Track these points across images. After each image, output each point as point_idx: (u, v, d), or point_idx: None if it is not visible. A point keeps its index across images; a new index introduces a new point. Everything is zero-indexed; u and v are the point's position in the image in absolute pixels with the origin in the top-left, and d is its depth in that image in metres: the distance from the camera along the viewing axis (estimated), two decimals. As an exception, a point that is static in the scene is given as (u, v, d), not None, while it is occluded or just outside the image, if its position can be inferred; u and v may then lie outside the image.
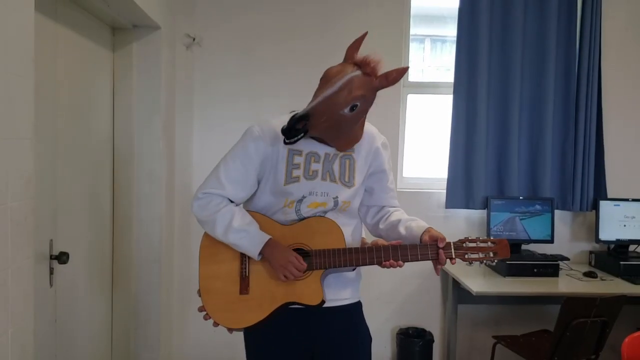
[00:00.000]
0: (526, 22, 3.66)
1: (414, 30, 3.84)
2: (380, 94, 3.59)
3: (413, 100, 3.84)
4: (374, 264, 1.75)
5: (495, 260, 1.79)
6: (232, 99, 3.65)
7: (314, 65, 3.67)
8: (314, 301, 1.72)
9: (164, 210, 3.13)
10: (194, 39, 3.54)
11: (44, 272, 2.25)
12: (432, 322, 3.82)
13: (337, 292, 1.82)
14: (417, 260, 1.73)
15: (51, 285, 2.30)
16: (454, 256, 1.74)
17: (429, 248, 1.73)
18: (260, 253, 1.70)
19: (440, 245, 1.71)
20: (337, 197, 1.77)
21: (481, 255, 1.76)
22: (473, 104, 3.64)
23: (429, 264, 3.72)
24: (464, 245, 1.76)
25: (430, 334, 3.70)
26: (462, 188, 3.70)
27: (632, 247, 3.68)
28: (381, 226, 1.91)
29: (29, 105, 1.65)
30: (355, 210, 1.89)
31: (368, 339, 1.91)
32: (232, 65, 3.66)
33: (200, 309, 1.76)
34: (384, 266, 1.76)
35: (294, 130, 1.57)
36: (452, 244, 1.75)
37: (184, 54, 3.52)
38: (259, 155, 1.74)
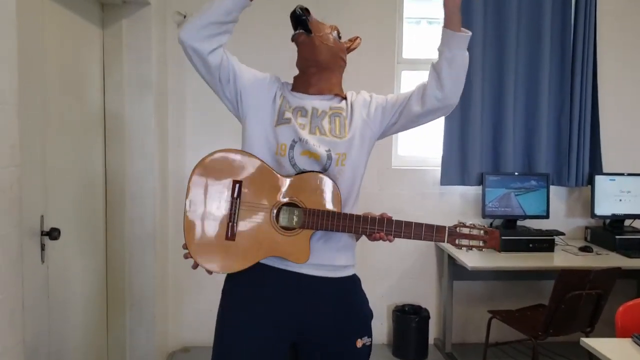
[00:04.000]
0: (521, -3, 3.63)
1: (410, 12, 3.81)
2: (374, 71, 3.59)
3: (407, 77, 3.82)
4: (366, 234, 1.72)
5: (483, 249, 1.79)
6: (225, 77, 3.61)
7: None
8: (300, 259, 1.68)
9: (158, 187, 3.12)
10: (184, 16, 3.50)
11: (35, 248, 2.23)
12: (428, 298, 3.83)
13: (325, 257, 1.75)
14: (409, 238, 1.71)
15: (43, 261, 2.28)
16: (446, 241, 1.72)
17: (424, 228, 1.70)
18: None
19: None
20: (329, 150, 1.72)
21: (471, 242, 1.76)
22: (467, 80, 3.50)
23: (424, 241, 3.74)
24: (457, 230, 1.75)
25: (426, 311, 3.70)
26: (457, 164, 3.69)
27: (627, 222, 3.68)
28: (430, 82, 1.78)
29: (11, 70, 1.62)
30: (356, 169, 1.78)
31: (368, 314, 1.84)
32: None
33: (184, 247, 1.70)
34: (373, 239, 1.72)
35: (295, 17, 1.73)
36: (446, 228, 1.73)
37: (175, 31, 3.48)
38: (265, 76, 1.81)
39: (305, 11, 1.75)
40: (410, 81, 3.82)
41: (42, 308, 2.28)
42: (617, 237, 3.46)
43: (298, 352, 1.79)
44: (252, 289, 1.73)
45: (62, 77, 2.47)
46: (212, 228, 1.68)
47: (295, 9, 1.75)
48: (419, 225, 1.71)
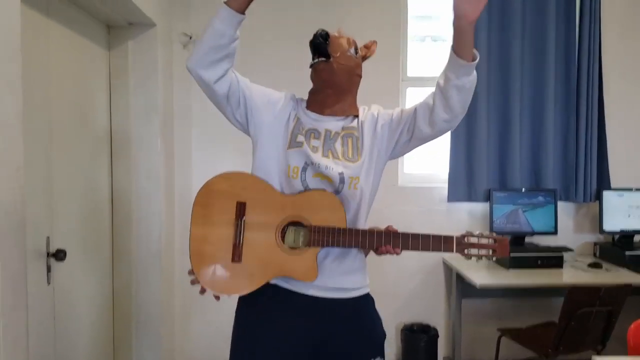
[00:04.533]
0: (525, 12, 3.64)
1: (414, 30, 3.83)
2: (379, 88, 3.60)
3: (413, 94, 3.82)
4: (373, 249, 1.70)
5: (494, 258, 1.77)
6: (230, 97, 3.63)
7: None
8: (308, 278, 1.67)
9: (164, 208, 3.12)
10: (190, 38, 3.53)
11: (41, 270, 2.23)
12: (437, 317, 3.79)
13: (339, 280, 1.74)
14: (417, 250, 1.69)
15: (49, 283, 2.28)
16: (454, 250, 1.70)
17: (432, 239, 1.69)
18: (226, 3, 1.65)
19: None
20: (342, 172, 1.70)
21: (481, 252, 1.74)
22: (472, 97, 3.59)
23: (432, 259, 3.69)
24: (466, 240, 1.73)
25: (435, 330, 3.66)
26: (463, 181, 3.67)
27: (637, 237, 3.63)
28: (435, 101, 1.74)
29: (16, 93, 1.64)
30: (368, 191, 1.78)
31: (382, 335, 1.82)
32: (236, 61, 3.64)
33: (190, 273, 1.69)
34: (380, 253, 1.71)
35: (316, 45, 1.73)
36: (454, 238, 1.72)
37: (181, 52, 3.51)
38: (285, 99, 1.80)
39: (326, 36, 1.74)
40: (416, 98, 3.81)
41: (48, 330, 2.28)
42: (626, 252, 3.41)
43: None
44: (265, 314, 1.71)
45: (68, 98, 2.49)
46: (217, 251, 1.67)
47: (315, 37, 1.74)
48: (426, 236, 1.69)
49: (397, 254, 1.70)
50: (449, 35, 3.84)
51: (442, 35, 3.94)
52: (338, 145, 1.74)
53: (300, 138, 1.72)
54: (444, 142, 3.69)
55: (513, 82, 3.62)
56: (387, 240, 1.68)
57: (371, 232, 1.68)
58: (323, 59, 1.73)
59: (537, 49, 3.65)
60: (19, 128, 1.65)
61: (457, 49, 1.61)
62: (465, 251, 1.73)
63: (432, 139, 1.82)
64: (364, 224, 1.81)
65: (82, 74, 2.66)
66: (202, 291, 1.69)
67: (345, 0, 3.67)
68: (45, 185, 2.25)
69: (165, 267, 3.17)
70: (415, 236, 1.69)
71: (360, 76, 1.83)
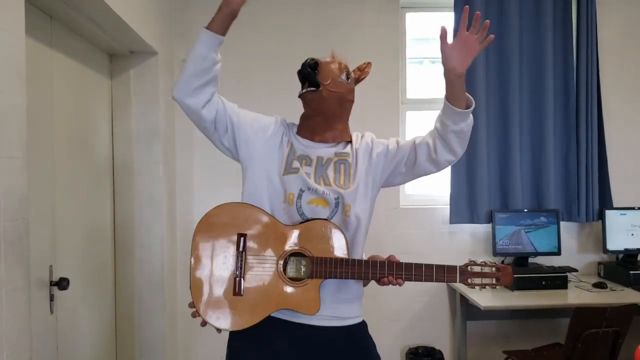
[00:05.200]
0: (522, 35, 3.68)
1: (412, 52, 3.87)
2: (379, 111, 3.62)
3: (412, 117, 3.84)
4: (376, 280, 1.69)
5: (496, 287, 1.77)
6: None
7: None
8: (310, 310, 1.65)
9: (166, 235, 3.11)
10: (191, 64, 3.56)
11: (44, 298, 2.22)
12: (442, 340, 3.76)
13: (337, 309, 1.73)
14: (421, 280, 1.68)
15: (52, 312, 2.27)
16: (458, 281, 1.71)
17: (435, 269, 1.69)
18: (208, 29, 1.66)
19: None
20: (338, 197, 1.70)
21: (484, 280, 1.74)
22: (473, 118, 3.62)
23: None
24: (469, 269, 1.73)
25: (440, 353, 3.63)
26: (465, 203, 3.67)
27: (641, 257, 3.62)
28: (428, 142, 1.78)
29: (21, 124, 1.65)
30: (361, 219, 1.76)
31: (377, 359, 1.82)
32: (230, 89, 3.64)
33: (191, 305, 1.67)
34: (382, 283, 1.70)
35: (305, 74, 1.70)
36: (457, 268, 1.72)
37: (182, 79, 3.53)
38: (276, 125, 1.79)
39: (315, 65, 1.73)
40: (415, 121, 3.84)
41: (51, 359, 2.26)
42: (631, 272, 3.40)
43: None
44: (258, 342, 1.69)
45: (71, 127, 2.50)
46: (219, 284, 1.65)
47: (303, 66, 1.73)
48: (429, 266, 1.69)
49: (400, 284, 1.69)
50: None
51: (439, 58, 3.99)
52: (330, 171, 1.74)
53: (296, 164, 1.72)
54: (445, 163, 3.70)
55: (512, 103, 3.64)
56: (390, 271, 1.67)
57: (374, 263, 1.67)
58: (312, 88, 1.72)
59: (535, 69, 3.68)
60: (23, 159, 1.66)
61: (451, 98, 1.67)
62: (469, 280, 1.73)
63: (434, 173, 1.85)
64: (361, 253, 1.81)
65: (84, 103, 2.68)
66: (203, 324, 1.68)
67: (344, 23, 3.71)
68: (48, 214, 2.26)
69: (167, 294, 3.16)
70: (418, 266, 1.69)
71: (352, 101, 1.82)
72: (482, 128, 3.62)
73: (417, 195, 3.85)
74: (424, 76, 3.99)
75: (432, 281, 1.70)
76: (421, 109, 3.86)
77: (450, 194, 3.66)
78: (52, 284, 2.26)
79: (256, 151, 1.75)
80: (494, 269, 1.75)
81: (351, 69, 1.85)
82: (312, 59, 1.73)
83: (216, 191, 3.54)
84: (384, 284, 1.69)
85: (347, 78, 1.77)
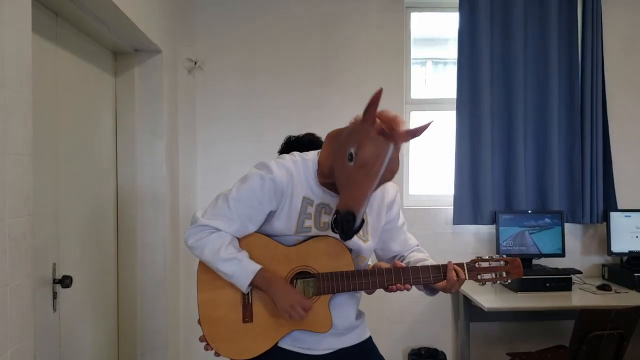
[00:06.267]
0: (527, 36, 3.67)
1: (416, 53, 3.86)
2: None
3: (416, 118, 3.83)
4: (384, 288, 1.67)
5: (509, 280, 1.74)
6: (235, 123, 3.65)
7: (316, 89, 3.74)
8: (323, 328, 1.63)
9: (169, 234, 3.10)
10: (195, 63, 3.56)
11: (47, 296, 2.22)
12: (444, 341, 3.74)
13: (344, 340, 1.73)
14: (430, 282, 1.67)
15: (54, 309, 2.26)
16: (466, 277, 1.68)
17: (441, 269, 1.67)
18: (250, 284, 1.58)
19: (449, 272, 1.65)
20: (351, 250, 1.67)
21: (494, 275, 1.72)
22: (477, 119, 3.63)
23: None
24: (477, 265, 1.71)
25: (443, 354, 3.62)
26: (469, 204, 3.66)
27: (645, 259, 3.61)
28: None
29: (26, 121, 1.64)
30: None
31: None
32: (234, 88, 3.67)
33: (201, 339, 1.66)
34: (389, 290, 1.68)
35: (349, 234, 1.45)
36: (465, 264, 1.70)
37: (186, 77, 3.54)
38: (277, 193, 1.60)
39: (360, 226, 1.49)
40: (419, 121, 3.82)
41: (54, 357, 2.25)
42: (635, 274, 3.38)
43: None
44: None
45: (75, 125, 2.50)
46: (227, 314, 1.64)
47: (349, 232, 1.46)
48: (435, 267, 1.67)
49: (408, 289, 1.68)
50: (449, 58, 3.89)
51: (442, 58, 3.98)
52: None
53: (308, 222, 1.64)
54: (448, 164, 3.69)
55: (517, 104, 3.63)
56: (397, 277, 1.65)
57: (380, 271, 1.65)
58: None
59: (540, 70, 3.67)
60: (28, 157, 1.65)
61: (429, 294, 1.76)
62: (479, 277, 1.71)
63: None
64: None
65: (88, 100, 2.67)
66: (217, 355, 1.67)
67: (348, 22, 3.70)
68: (51, 211, 2.25)
69: (170, 294, 3.14)
70: (425, 269, 1.67)
71: None
72: (486, 129, 3.61)
73: (421, 196, 3.84)
74: (427, 77, 3.99)
75: (441, 281, 1.67)
76: (425, 109, 3.85)
77: (454, 194, 3.65)
78: (55, 281, 2.25)
79: (274, 220, 1.66)
80: (502, 262, 1.73)
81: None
82: (362, 221, 1.47)
83: (219, 190, 3.52)
84: (391, 291, 1.68)
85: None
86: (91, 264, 2.66)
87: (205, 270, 1.66)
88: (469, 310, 3.49)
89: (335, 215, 1.44)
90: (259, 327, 1.63)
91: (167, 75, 3.14)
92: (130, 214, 2.99)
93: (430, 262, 1.71)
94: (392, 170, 1.47)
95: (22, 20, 1.66)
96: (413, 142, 3.80)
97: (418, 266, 1.67)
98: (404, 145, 3.69)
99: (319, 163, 1.64)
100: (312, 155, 1.68)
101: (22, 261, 1.61)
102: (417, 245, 1.86)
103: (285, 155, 1.68)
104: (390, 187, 1.77)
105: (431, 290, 1.74)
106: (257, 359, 1.64)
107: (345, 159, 1.47)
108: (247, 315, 1.63)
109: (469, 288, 3.38)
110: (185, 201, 3.50)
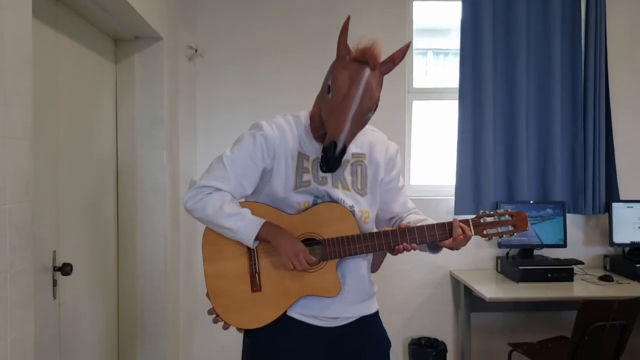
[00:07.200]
0: (530, 25, 3.64)
1: (417, 43, 3.83)
2: (385, 100, 3.57)
3: (418, 107, 3.81)
4: (390, 249, 1.66)
5: (515, 234, 1.72)
6: (235, 110, 3.63)
7: (316, 76, 3.67)
8: (332, 292, 1.63)
9: (169, 222, 3.09)
10: (196, 50, 3.53)
11: (47, 283, 2.20)
12: (445, 331, 3.74)
13: (356, 309, 1.73)
14: (436, 240, 1.65)
15: (54, 297, 2.25)
16: (473, 233, 1.66)
17: (447, 227, 1.65)
18: (256, 238, 1.59)
19: (455, 231, 1.64)
20: (352, 206, 1.68)
21: (500, 229, 1.70)
22: (479, 109, 3.61)
23: (439, 272, 3.64)
24: (482, 220, 1.70)
25: (444, 344, 3.62)
26: (471, 194, 3.64)
27: (647, 250, 3.60)
28: None
29: (26, 105, 1.62)
30: (374, 225, 1.79)
31: (388, 345, 1.83)
32: (235, 76, 3.65)
33: (210, 312, 1.66)
34: (396, 251, 1.66)
35: (335, 166, 1.51)
36: (470, 220, 1.69)
37: (186, 65, 3.51)
38: (269, 148, 1.64)
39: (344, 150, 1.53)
40: (421, 111, 3.81)
41: (54, 344, 2.24)
42: (637, 265, 3.37)
43: None
44: (280, 343, 1.68)
45: (75, 112, 2.47)
46: (236, 284, 1.64)
47: (335, 161, 1.51)
48: (441, 225, 1.66)
49: (414, 249, 1.67)
50: (451, 49, 3.86)
51: (443, 49, 3.96)
52: (347, 174, 1.70)
53: (307, 176, 1.66)
54: (450, 154, 3.67)
55: (519, 94, 3.61)
56: (403, 237, 1.64)
57: (385, 233, 1.65)
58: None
59: (543, 60, 3.64)
60: (29, 142, 1.63)
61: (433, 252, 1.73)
62: (484, 232, 1.69)
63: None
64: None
65: (88, 87, 2.65)
66: (226, 327, 1.67)
67: (350, 10, 3.64)
68: (51, 199, 2.23)
69: (170, 282, 3.13)
70: (431, 227, 1.65)
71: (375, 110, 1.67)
72: (488, 119, 3.59)
73: (422, 186, 3.82)
74: (429, 67, 3.96)
75: (448, 239, 1.65)
76: (427, 98, 3.83)
77: (456, 184, 3.64)
78: (56, 269, 2.24)
79: (268, 183, 1.69)
80: (507, 216, 1.71)
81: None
82: (343, 147, 1.51)
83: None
84: (398, 251, 1.66)
85: (375, 110, 1.62)
86: (91, 251, 2.65)
87: (211, 242, 1.66)
88: (470, 301, 3.49)
89: (322, 153, 1.51)
90: (268, 296, 1.63)
91: (168, 62, 3.11)
92: (131, 202, 2.98)
93: (431, 221, 1.71)
94: (371, 95, 1.54)
95: (23, 5, 1.64)
96: (415, 132, 3.79)
97: (424, 225, 1.66)
98: (404, 134, 3.69)
99: (311, 117, 1.69)
100: (305, 113, 1.73)
101: (22, 248, 1.59)
102: (415, 209, 1.87)
103: (277, 115, 1.73)
104: (391, 145, 1.81)
105: (434, 248, 1.73)
106: (267, 328, 1.65)
107: (325, 93, 1.58)
108: (256, 285, 1.63)
109: (470, 278, 3.38)
110: (186, 189, 3.47)
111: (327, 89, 1.57)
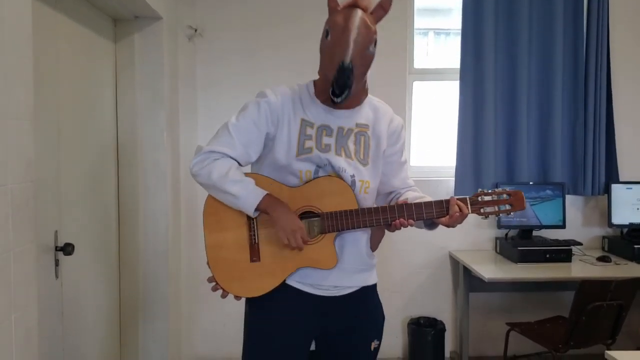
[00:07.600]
0: (532, 5, 3.61)
1: (418, 23, 3.80)
2: (386, 81, 3.57)
3: (419, 88, 3.80)
4: (387, 225, 1.69)
5: (511, 213, 1.74)
6: (235, 89, 3.62)
7: (315, 50, 3.67)
8: (328, 265, 1.66)
9: (170, 202, 3.10)
10: (195, 30, 3.51)
11: (49, 263, 2.22)
12: (444, 311, 3.78)
13: (356, 279, 1.76)
14: (433, 217, 1.67)
15: (57, 277, 2.27)
16: (470, 211, 1.68)
17: (444, 204, 1.67)
18: (256, 209, 1.61)
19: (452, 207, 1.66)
20: (354, 175, 1.70)
21: (497, 208, 1.72)
22: (480, 90, 3.60)
23: (439, 252, 3.65)
24: (479, 199, 1.71)
25: (442, 323, 3.65)
26: (471, 175, 3.65)
27: (646, 231, 3.62)
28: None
29: (27, 85, 1.62)
30: (374, 196, 1.80)
31: (382, 319, 1.86)
32: (235, 55, 3.63)
33: (210, 280, 1.69)
34: (393, 227, 1.68)
35: (346, 85, 1.54)
36: (467, 199, 1.70)
37: (186, 45, 3.49)
38: (273, 115, 1.68)
39: (351, 69, 1.55)
40: (422, 91, 3.80)
41: (56, 323, 2.27)
42: (635, 246, 3.39)
43: (317, 344, 1.81)
44: (279, 310, 1.72)
45: (76, 92, 2.47)
46: (235, 254, 1.67)
47: (345, 78, 1.53)
48: (438, 202, 1.68)
49: (411, 225, 1.69)
50: (452, 29, 3.84)
51: (444, 29, 3.93)
52: (351, 143, 1.72)
53: (309, 143, 1.68)
54: (450, 135, 3.67)
55: (520, 75, 3.60)
56: (400, 213, 1.66)
57: (383, 208, 1.67)
58: (345, 94, 1.57)
59: (544, 40, 3.62)
60: (30, 122, 1.64)
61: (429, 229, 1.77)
62: (482, 210, 1.71)
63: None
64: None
65: (88, 67, 2.64)
66: (224, 295, 1.69)
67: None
68: (53, 179, 2.24)
69: (172, 261, 3.15)
70: (428, 204, 1.68)
71: (374, 54, 1.67)
72: (489, 100, 3.58)
73: (422, 167, 3.83)
74: (430, 47, 3.94)
75: (445, 216, 1.67)
76: (428, 79, 3.82)
77: (456, 165, 3.64)
78: (57, 249, 2.26)
79: (271, 149, 1.72)
80: (505, 195, 1.73)
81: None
82: (350, 64, 1.54)
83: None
84: (395, 227, 1.69)
85: (375, 45, 1.63)
86: (93, 231, 2.66)
87: (212, 212, 1.69)
88: (469, 281, 3.51)
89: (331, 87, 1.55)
90: (266, 266, 1.67)
91: (168, 42, 3.09)
92: (132, 181, 2.98)
93: (429, 199, 1.73)
94: (367, 27, 1.58)
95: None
96: (415, 113, 3.78)
97: (421, 202, 1.68)
98: (404, 115, 3.67)
99: (315, 82, 1.74)
100: (309, 80, 1.77)
101: (25, 227, 1.60)
102: (414, 186, 1.89)
103: (283, 84, 1.77)
104: (396, 118, 1.83)
105: (431, 225, 1.76)
106: (266, 296, 1.68)
107: (324, 39, 1.63)
108: (255, 255, 1.67)
109: (469, 259, 3.40)
110: (187, 169, 3.48)
111: (325, 34, 1.63)
